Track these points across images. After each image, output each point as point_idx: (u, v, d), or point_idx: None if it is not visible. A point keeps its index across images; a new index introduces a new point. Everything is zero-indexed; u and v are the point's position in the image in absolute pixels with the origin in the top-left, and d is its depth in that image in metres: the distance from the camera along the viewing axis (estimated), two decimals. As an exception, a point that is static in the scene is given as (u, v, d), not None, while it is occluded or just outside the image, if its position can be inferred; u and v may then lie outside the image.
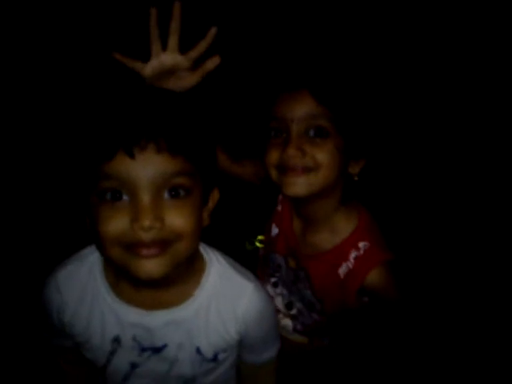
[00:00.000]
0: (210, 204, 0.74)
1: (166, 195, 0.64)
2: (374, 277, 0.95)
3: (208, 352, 0.79)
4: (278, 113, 0.93)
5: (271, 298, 0.86)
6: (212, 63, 0.89)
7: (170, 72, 0.88)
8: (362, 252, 0.97)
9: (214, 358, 0.80)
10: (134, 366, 0.80)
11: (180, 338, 0.78)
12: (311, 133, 0.91)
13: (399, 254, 1.00)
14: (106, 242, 0.64)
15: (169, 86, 0.89)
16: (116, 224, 0.63)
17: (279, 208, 1.15)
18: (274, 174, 0.95)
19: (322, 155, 0.91)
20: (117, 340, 0.78)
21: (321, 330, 0.94)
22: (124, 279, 0.75)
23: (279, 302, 1.14)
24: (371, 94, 0.98)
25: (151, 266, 0.64)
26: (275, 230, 1.15)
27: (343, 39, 2.06)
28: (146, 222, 0.61)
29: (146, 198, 0.62)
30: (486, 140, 2.05)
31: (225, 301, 0.78)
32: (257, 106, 1.03)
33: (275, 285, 1.15)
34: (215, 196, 0.76)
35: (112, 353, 0.79)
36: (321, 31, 2.14)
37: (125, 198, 0.63)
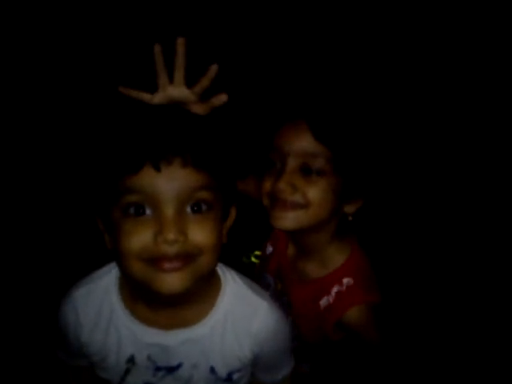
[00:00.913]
0: (228, 222, 0.76)
1: (188, 210, 0.65)
2: (352, 315, 0.93)
3: (222, 372, 0.79)
4: (277, 143, 0.92)
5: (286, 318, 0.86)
6: (218, 101, 0.91)
7: (179, 104, 0.90)
8: (344, 288, 0.95)
9: (229, 378, 0.80)
10: None
11: (195, 357, 0.78)
12: (306, 169, 0.89)
13: (388, 296, 0.99)
14: (128, 256, 0.65)
15: None
16: (139, 238, 0.63)
17: (276, 229, 1.14)
18: (265, 201, 0.95)
19: (314, 193, 0.88)
20: (132, 359, 0.78)
21: (299, 356, 0.93)
22: (140, 299, 0.76)
23: None
24: (372, 135, 0.95)
25: (173, 280, 0.65)
26: (270, 249, 1.15)
27: (347, 76, 2.10)
28: (171, 236, 0.62)
29: (170, 211, 0.63)
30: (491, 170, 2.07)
31: (240, 319, 0.78)
32: (259, 134, 1.03)
33: None
34: (233, 214, 0.77)
35: (126, 372, 0.79)
36: (325, 66, 2.19)
37: (148, 212, 0.64)
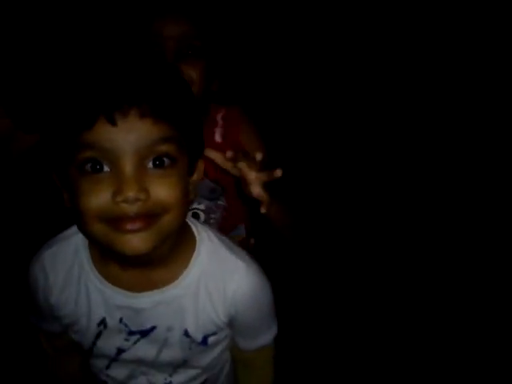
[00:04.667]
0: (195, 176, 0.71)
1: (150, 165, 0.61)
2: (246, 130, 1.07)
3: (197, 335, 0.76)
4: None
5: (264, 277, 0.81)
6: None
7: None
8: (224, 111, 1.09)
9: (204, 342, 0.77)
10: (120, 350, 0.78)
11: (169, 319, 0.75)
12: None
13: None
14: (87, 218, 0.61)
15: None
16: (97, 198, 0.59)
17: None
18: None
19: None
20: (103, 322, 0.75)
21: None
22: (110, 259, 0.72)
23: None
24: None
25: (137, 241, 0.61)
26: None
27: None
28: (130, 194, 0.58)
29: (129, 167, 0.59)
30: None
31: (215, 280, 0.75)
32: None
33: None
34: (200, 167, 0.72)
35: (98, 336, 0.76)
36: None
37: (106, 169, 0.60)
